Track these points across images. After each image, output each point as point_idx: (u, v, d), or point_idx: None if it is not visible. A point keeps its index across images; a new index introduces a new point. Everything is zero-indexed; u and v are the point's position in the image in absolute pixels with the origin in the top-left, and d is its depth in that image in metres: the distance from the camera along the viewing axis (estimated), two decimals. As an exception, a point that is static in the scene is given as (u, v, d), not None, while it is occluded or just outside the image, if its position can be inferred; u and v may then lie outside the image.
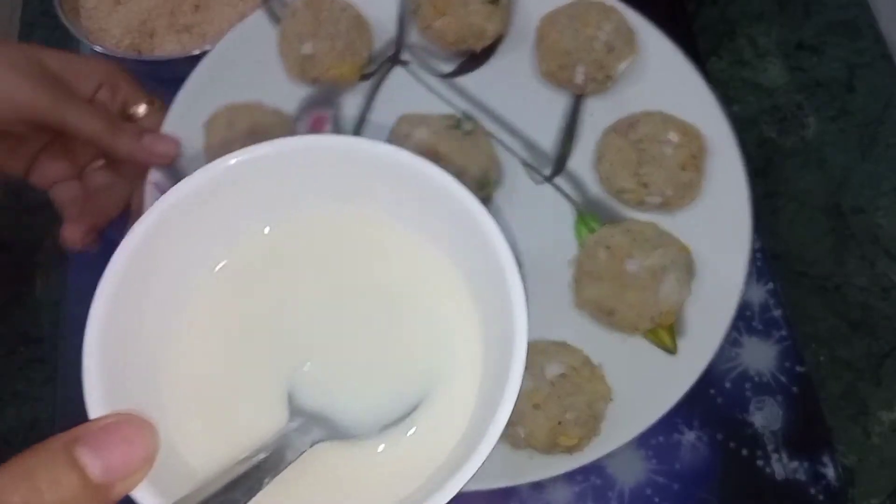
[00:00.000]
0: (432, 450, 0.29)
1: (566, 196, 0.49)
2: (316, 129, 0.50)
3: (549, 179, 0.49)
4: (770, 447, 0.48)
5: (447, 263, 0.32)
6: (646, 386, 0.43)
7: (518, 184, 0.49)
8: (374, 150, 0.31)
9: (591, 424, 0.42)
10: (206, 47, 0.52)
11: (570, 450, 0.42)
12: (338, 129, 0.50)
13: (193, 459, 0.28)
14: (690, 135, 0.47)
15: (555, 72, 0.50)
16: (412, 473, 0.28)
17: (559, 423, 0.41)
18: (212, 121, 0.48)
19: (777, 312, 0.50)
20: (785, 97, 0.59)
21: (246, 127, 0.48)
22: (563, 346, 0.44)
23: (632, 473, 0.46)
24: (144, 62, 0.53)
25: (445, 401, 0.30)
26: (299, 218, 0.33)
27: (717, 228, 0.47)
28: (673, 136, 0.47)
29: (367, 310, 0.31)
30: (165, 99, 0.50)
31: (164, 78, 0.55)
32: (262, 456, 0.27)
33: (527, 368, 0.41)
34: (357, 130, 0.50)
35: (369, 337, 0.31)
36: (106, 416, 0.25)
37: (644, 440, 0.43)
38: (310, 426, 0.28)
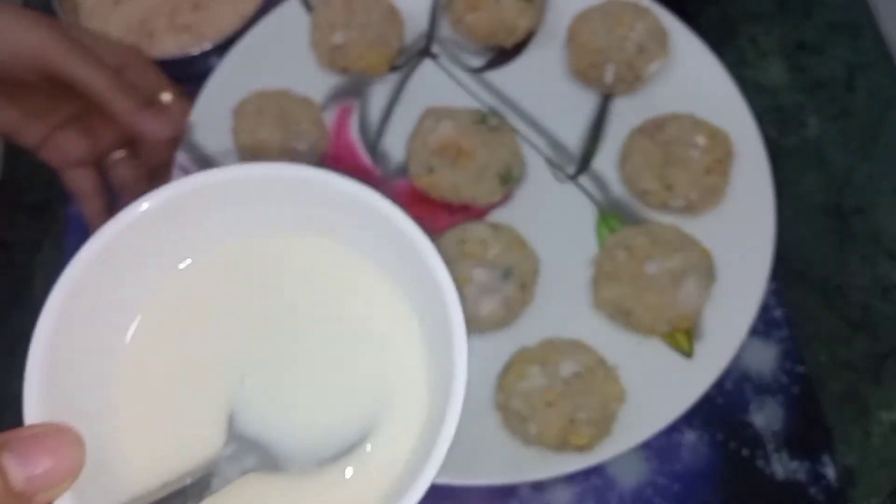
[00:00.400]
0: (366, 493, 0.28)
1: (589, 195, 0.49)
2: (342, 118, 0.51)
3: (572, 178, 0.50)
4: (770, 447, 0.48)
5: (398, 294, 0.31)
6: (660, 389, 0.44)
7: (541, 181, 0.49)
8: (321, 180, 0.30)
9: (602, 425, 0.42)
10: (206, 46, 0.52)
11: (580, 449, 0.42)
12: (363, 119, 0.51)
13: (126, 476, 0.28)
14: (718, 139, 0.47)
15: (584, 70, 0.50)
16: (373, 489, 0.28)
17: (571, 421, 0.41)
18: (241, 107, 0.49)
19: (778, 312, 0.50)
20: (786, 97, 0.59)
21: (274, 114, 0.49)
22: (578, 346, 0.44)
23: (632, 474, 0.46)
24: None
25: (386, 443, 0.29)
26: (241, 246, 0.32)
27: (740, 234, 0.47)
28: (700, 140, 0.47)
29: (314, 337, 0.31)
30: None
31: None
32: (188, 481, 0.26)
33: (541, 366, 0.42)
34: (383, 121, 0.51)
35: (315, 364, 0.30)
36: (37, 426, 0.25)
37: (644, 441, 0.43)
38: (243, 454, 0.28)
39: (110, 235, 0.28)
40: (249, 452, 0.28)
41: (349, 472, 0.28)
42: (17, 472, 0.22)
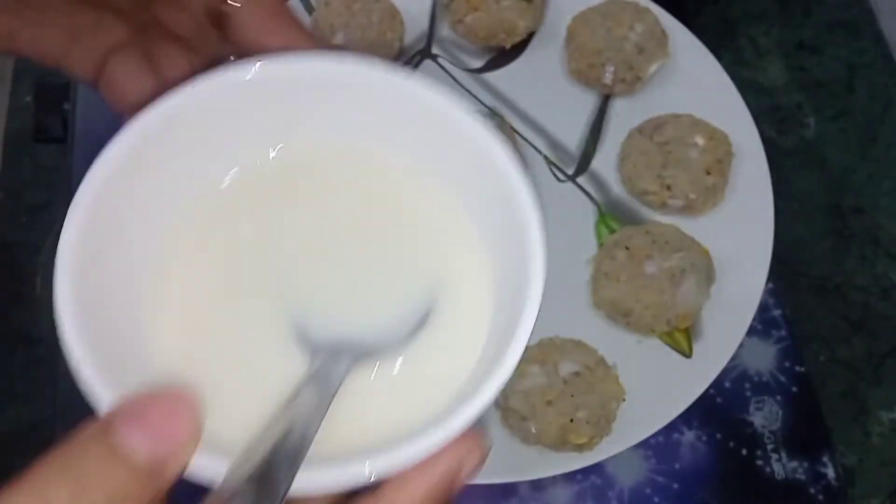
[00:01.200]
0: (455, 355, 0.27)
1: (588, 195, 0.49)
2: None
3: (571, 178, 0.50)
4: (770, 447, 0.48)
5: (453, 196, 0.30)
6: (659, 388, 0.44)
7: (540, 181, 0.49)
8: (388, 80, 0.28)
9: (602, 424, 0.42)
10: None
11: (579, 448, 0.42)
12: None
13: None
14: (717, 139, 0.47)
15: (583, 70, 0.50)
16: (441, 381, 0.26)
17: (570, 420, 0.41)
18: None
19: (777, 312, 0.50)
20: (785, 97, 0.59)
21: None
22: (578, 345, 0.44)
23: (631, 473, 0.46)
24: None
25: (457, 308, 0.28)
26: (304, 145, 0.30)
27: (739, 234, 0.47)
28: (699, 140, 0.47)
29: (366, 231, 0.29)
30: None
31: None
32: (302, 398, 0.24)
33: (541, 365, 0.42)
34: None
35: (374, 263, 0.29)
36: (138, 395, 0.22)
37: (644, 439, 0.43)
38: (335, 357, 0.26)
39: (174, 109, 0.26)
40: (338, 354, 0.26)
41: (430, 339, 0.27)
42: (140, 445, 0.20)
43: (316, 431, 0.23)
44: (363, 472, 0.22)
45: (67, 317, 0.24)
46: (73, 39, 0.34)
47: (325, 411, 0.24)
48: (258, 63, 0.28)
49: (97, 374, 0.24)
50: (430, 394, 0.26)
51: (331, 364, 0.26)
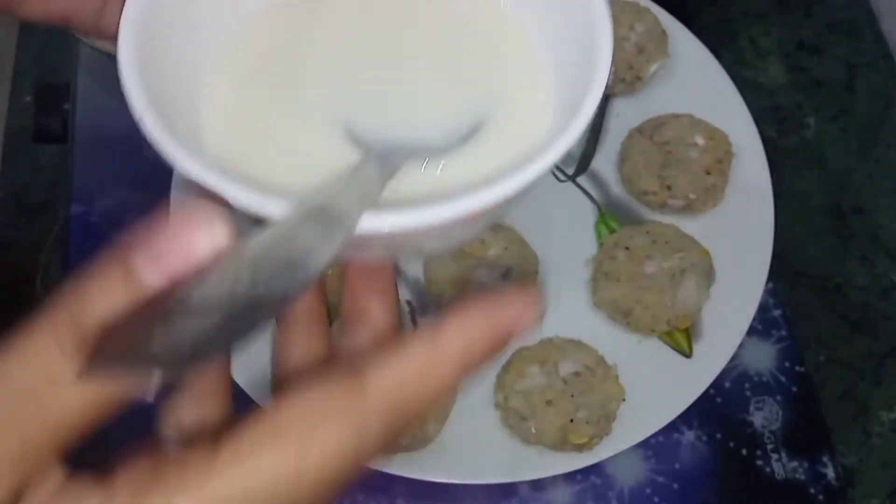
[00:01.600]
0: (514, 148, 0.27)
1: (588, 195, 0.49)
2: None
3: (571, 178, 0.50)
4: (770, 447, 0.48)
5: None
6: (659, 388, 0.44)
7: (541, 181, 0.49)
8: None
9: (602, 424, 0.42)
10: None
11: (579, 448, 0.42)
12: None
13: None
14: (717, 139, 0.48)
15: None
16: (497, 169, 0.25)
17: (570, 420, 0.41)
18: None
19: (777, 312, 0.50)
20: (785, 97, 0.59)
21: None
22: (578, 345, 0.44)
23: (631, 473, 0.46)
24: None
25: (512, 119, 0.28)
26: None
27: (739, 234, 0.47)
28: (699, 140, 0.47)
29: (421, 38, 0.29)
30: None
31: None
32: (360, 172, 0.23)
33: (541, 365, 0.42)
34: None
35: (425, 63, 0.29)
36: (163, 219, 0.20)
37: (643, 439, 0.43)
38: (388, 152, 0.25)
39: None
40: (392, 151, 0.26)
41: (489, 134, 0.27)
42: (150, 271, 0.19)
43: (381, 188, 0.23)
44: (439, 210, 0.21)
45: (132, 78, 0.25)
46: None
47: (388, 178, 0.23)
48: None
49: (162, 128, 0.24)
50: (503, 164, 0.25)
51: (384, 156, 0.25)
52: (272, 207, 0.22)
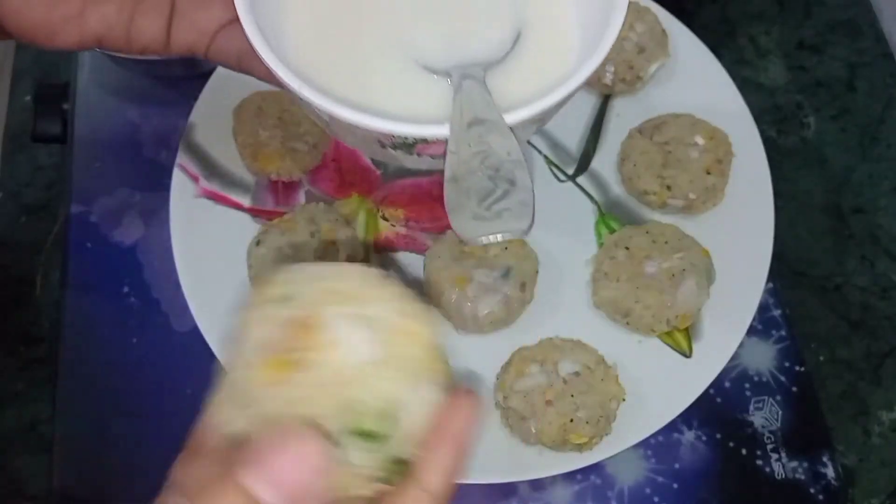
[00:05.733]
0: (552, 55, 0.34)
1: (588, 195, 0.49)
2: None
3: (571, 178, 0.50)
4: (769, 447, 0.48)
5: None
6: (659, 388, 0.44)
7: (541, 181, 0.49)
8: None
9: (602, 424, 0.42)
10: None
11: (579, 448, 0.42)
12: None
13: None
14: (717, 139, 0.48)
15: None
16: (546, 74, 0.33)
17: (570, 420, 0.41)
18: (241, 107, 0.49)
19: (777, 312, 0.50)
20: (785, 97, 0.59)
21: (275, 114, 0.49)
22: (578, 345, 0.44)
23: (631, 473, 0.46)
24: (139, 61, 0.53)
25: (545, 24, 0.34)
26: None
27: (739, 234, 0.47)
28: (699, 140, 0.47)
29: None
30: (165, 94, 0.49)
31: (160, 75, 0.55)
32: (465, 87, 0.30)
33: (541, 365, 0.42)
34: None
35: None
36: (267, 432, 0.22)
37: (643, 439, 0.43)
38: (465, 70, 0.31)
39: None
40: (467, 69, 0.32)
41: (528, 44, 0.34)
42: (267, 494, 0.21)
43: (491, 99, 0.30)
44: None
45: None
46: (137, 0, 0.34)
47: (486, 87, 0.30)
48: None
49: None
50: (543, 77, 0.33)
51: (466, 71, 0.31)
52: (433, 131, 0.29)
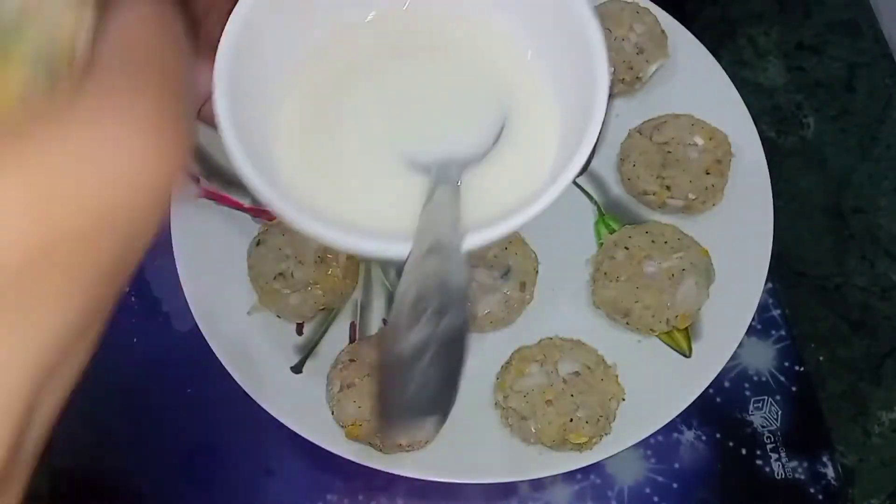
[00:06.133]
0: (531, 161, 0.33)
1: (588, 195, 0.49)
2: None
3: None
4: (769, 447, 0.48)
5: (507, 16, 0.35)
6: (658, 387, 0.44)
7: None
8: None
9: (601, 423, 0.42)
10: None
11: (579, 447, 0.42)
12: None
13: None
14: (717, 139, 0.48)
15: None
16: (525, 174, 0.32)
17: (570, 420, 0.41)
18: None
19: (776, 312, 0.50)
20: (785, 97, 0.59)
21: None
22: (578, 345, 0.44)
23: (631, 472, 0.46)
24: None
25: (527, 121, 0.34)
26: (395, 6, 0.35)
27: (739, 234, 0.47)
28: (699, 140, 0.47)
29: (451, 72, 0.34)
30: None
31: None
32: (437, 194, 0.29)
33: (541, 364, 0.43)
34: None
35: (457, 92, 0.34)
36: None
37: (643, 439, 0.43)
38: (447, 166, 0.32)
39: None
40: (448, 164, 0.32)
41: (508, 146, 0.33)
42: None
43: (459, 210, 0.29)
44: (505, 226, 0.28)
45: (227, 120, 0.29)
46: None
47: (459, 198, 0.30)
48: None
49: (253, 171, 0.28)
50: (519, 182, 0.32)
51: (445, 170, 0.31)
52: (395, 251, 0.27)
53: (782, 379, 0.49)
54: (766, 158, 0.49)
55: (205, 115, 0.34)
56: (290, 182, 0.32)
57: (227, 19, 0.33)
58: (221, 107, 0.29)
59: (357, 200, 0.32)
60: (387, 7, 0.34)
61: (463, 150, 0.33)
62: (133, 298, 0.49)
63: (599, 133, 0.53)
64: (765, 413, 0.48)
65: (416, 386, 0.22)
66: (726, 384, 0.49)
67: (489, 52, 0.35)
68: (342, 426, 0.43)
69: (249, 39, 0.31)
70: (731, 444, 0.47)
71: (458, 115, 0.34)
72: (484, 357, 0.45)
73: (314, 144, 0.33)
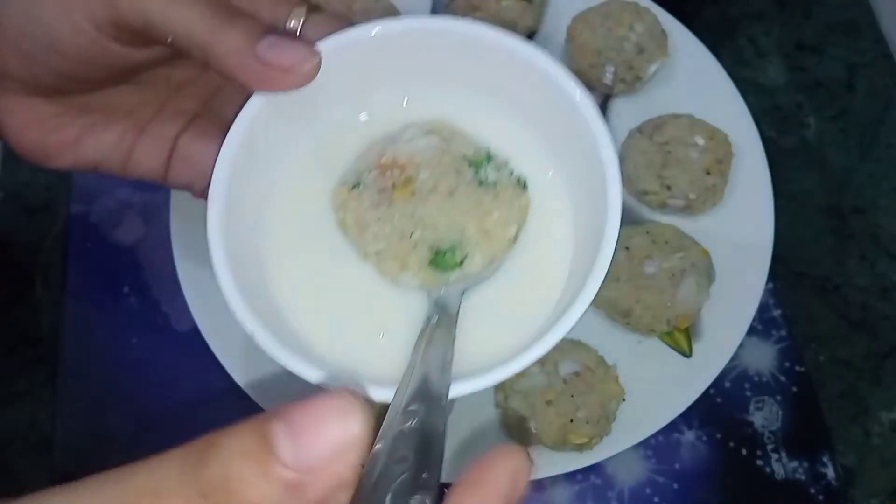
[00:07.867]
0: (541, 283, 0.33)
1: None
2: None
3: None
4: (770, 447, 0.48)
5: (532, 135, 0.35)
6: (659, 388, 0.44)
7: None
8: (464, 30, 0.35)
9: (602, 424, 0.42)
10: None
11: (579, 448, 0.42)
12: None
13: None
14: (717, 139, 0.48)
15: (584, 71, 0.50)
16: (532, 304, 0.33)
17: (570, 420, 0.41)
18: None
19: (777, 312, 0.50)
20: (785, 97, 0.59)
21: None
22: (578, 345, 0.44)
23: (631, 473, 0.46)
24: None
25: (539, 246, 0.34)
26: (393, 104, 0.36)
27: (739, 234, 0.47)
28: (699, 140, 0.47)
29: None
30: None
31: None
32: (432, 326, 0.29)
33: (541, 365, 0.42)
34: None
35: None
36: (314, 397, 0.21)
37: (644, 439, 0.43)
38: (448, 291, 0.32)
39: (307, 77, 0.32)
40: (449, 290, 0.32)
41: (517, 273, 0.34)
42: (286, 448, 0.19)
43: (453, 349, 0.28)
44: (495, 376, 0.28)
45: (220, 257, 0.30)
46: (138, 133, 0.35)
47: (454, 333, 0.29)
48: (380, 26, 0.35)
49: (246, 311, 0.29)
50: (524, 311, 0.32)
51: (446, 297, 0.31)
52: (380, 395, 0.27)
53: (783, 379, 0.49)
54: (767, 158, 0.49)
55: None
56: (283, 304, 0.32)
57: (236, 102, 0.33)
58: (213, 230, 0.31)
59: (351, 319, 0.32)
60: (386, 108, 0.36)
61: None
62: (133, 299, 0.49)
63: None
64: (765, 413, 0.48)
65: None
66: (727, 384, 0.49)
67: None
68: (342, 426, 0.43)
69: (247, 151, 0.31)
70: (731, 444, 0.47)
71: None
72: (484, 357, 0.45)
73: (307, 263, 0.34)
